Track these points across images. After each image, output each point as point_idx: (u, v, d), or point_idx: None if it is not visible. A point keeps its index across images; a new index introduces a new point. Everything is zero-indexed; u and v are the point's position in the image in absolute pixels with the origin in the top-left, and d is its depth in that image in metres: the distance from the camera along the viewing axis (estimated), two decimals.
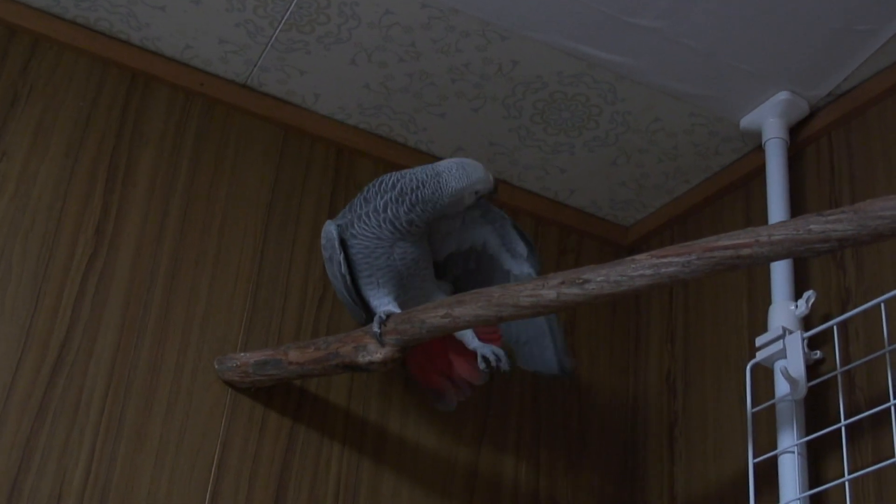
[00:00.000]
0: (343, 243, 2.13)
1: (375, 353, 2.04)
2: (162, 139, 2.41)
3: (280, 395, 2.29)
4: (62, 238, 2.22)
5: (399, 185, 2.10)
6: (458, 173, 2.11)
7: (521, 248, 2.23)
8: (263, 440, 2.25)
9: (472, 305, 1.95)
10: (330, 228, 2.14)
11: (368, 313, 2.15)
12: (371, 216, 2.10)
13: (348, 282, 2.13)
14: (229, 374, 2.23)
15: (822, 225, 1.68)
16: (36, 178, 2.25)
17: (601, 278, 1.85)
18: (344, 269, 2.13)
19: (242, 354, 2.24)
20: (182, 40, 2.43)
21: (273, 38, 2.40)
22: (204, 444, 2.19)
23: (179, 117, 2.45)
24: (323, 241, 2.16)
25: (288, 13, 2.34)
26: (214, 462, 2.19)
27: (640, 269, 1.82)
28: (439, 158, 2.65)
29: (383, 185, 2.12)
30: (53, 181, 2.26)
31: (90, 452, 2.09)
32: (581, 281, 1.86)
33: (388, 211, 2.09)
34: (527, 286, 1.91)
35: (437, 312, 1.98)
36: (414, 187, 2.09)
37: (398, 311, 2.09)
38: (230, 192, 2.44)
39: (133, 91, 2.43)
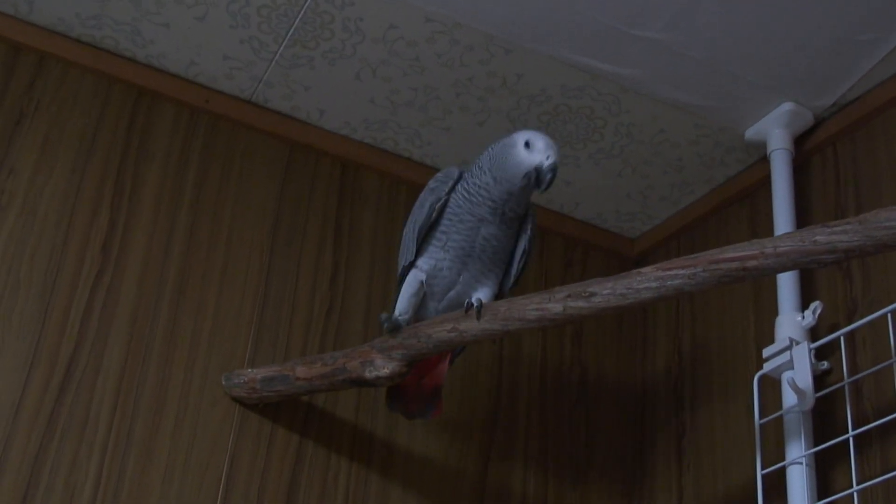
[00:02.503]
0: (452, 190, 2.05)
1: (382, 369, 2.04)
2: (168, 155, 2.42)
3: (287, 410, 2.29)
4: (69, 254, 2.23)
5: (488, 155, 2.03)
6: (523, 144, 1.99)
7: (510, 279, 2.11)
8: (271, 456, 2.25)
9: (479, 319, 1.95)
10: (453, 170, 2.06)
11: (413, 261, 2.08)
12: (476, 175, 2.03)
13: (432, 218, 2.03)
14: (237, 390, 2.23)
15: (828, 236, 1.68)
16: (42, 195, 2.25)
17: (607, 291, 1.85)
18: (440, 204, 2.03)
19: (250, 370, 2.24)
20: (187, 57, 2.44)
21: (278, 54, 2.41)
22: (212, 459, 2.19)
23: (185, 134, 2.46)
24: (440, 175, 2.07)
25: (292, 29, 2.35)
26: (223, 478, 2.19)
27: (645, 282, 1.82)
28: None
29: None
30: (60, 198, 2.27)
31: (99, 468, 2.09)
32: (587, 294, 1.87)
33: (481, 177, 2.01)
34: (533, 300, 1.91)
35: (444, 327, 1.99)
36: (493, 148, 2.03)
37: (402, 315, 2.04)
38: (236, 207, 2.44)
39: (138, 108, 2.43)
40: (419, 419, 2.23)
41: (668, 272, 1.81)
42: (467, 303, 1.96)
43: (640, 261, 2.83)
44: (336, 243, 2.52)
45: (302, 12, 2.31)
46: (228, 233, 2.41)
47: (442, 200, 2.04)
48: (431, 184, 2.07)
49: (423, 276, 2.05)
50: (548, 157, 1.97)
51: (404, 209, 2.63)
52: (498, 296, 2.07)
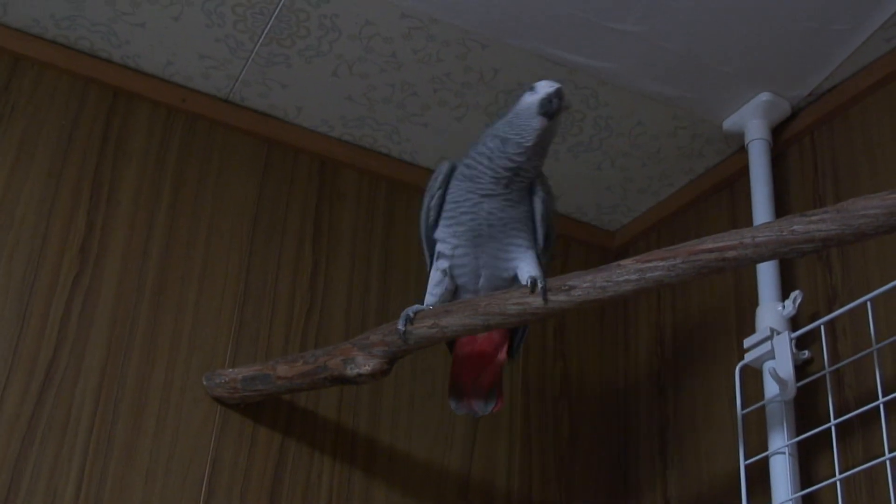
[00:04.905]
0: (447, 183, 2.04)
1: (364, 366, 2.04)
2: (145, 156, 2.41)
3: (269, 409, 2.28)
4: (47, 257, 2.22)
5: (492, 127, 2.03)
6: (528, 92, 2.00)
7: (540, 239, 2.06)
8: (254, 455, 2.24)
9: (460, 315, 1.95)
10: (443, 165, 2.06)
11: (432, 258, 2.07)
12: (473, 154, 2.02)
13: (431, 219, 2.05)
14: (218, 390, 2.23)
15: (806, 225, 1.69)
16: (20, 198, 2.24)
17: (587, 284, 1.85)
18: (435, 202, 2.04)
19: (231, 370, 2.23)
20: (163, 57, 2.43)
21: (254, 52, 2.40)
22: (194, 460, 2.18)
23: (162, 134, 2.45)
24: (433, 175, 2.07)
25: (268, 27, 2.34)
26: (205, 479, 2.18)
27: (625, 275, 1.83)
28: (424, 168, 2.67)
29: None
30: (37, 200, 2.26)
31: (80, 471, 2.08)
32: (567, 288, 1.87)
33: (486, 146, 2.00)
34: (514, 294, 1.91)
35: (425, 323, 1.98)
36: (501, 116, 2.03)
37: (429, 306, 2.01)
38: (215, 206, 2.43)
39: (115, 108, 2.42)
40: (481, 415, 2.15)
41: (648, 264, 1.81)
42: (530, 279, 1.91)
43: (622, 253, 2.83)
44: (315, 241, 2.51)
45: (277, 10, 2.30)
46: (207, 232, 2.40)
47: (437, 195, 2.03)
48: (427, 187, 2.07)
49: (445, 265, 2.03)
50: (551, 87, 1.97)
51: (384, 206, 2.63)
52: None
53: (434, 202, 2.04)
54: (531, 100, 1.98)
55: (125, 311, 2.25)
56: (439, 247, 2.05)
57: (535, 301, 1.89)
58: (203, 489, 2.17)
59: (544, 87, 1.98)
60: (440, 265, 2.04)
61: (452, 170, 2.05)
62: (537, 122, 1.96)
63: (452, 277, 2.05)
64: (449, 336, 1.99)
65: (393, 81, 2.46)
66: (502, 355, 2.11)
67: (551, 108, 1.96)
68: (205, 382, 2.24)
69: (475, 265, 2.02)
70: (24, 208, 2.24)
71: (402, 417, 2.43)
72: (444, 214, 2.04)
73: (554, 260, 2.78)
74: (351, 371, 2.05)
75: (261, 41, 2.37)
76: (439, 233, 2.05)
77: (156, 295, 2.29)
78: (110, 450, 2.12)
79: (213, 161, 2.48)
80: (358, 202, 2.61)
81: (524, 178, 2.01)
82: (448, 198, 2.03)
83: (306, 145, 2.58)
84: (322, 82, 2.47)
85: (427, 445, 2.43)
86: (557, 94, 1.96)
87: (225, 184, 2.47)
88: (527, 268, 1.98)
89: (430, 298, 2.05)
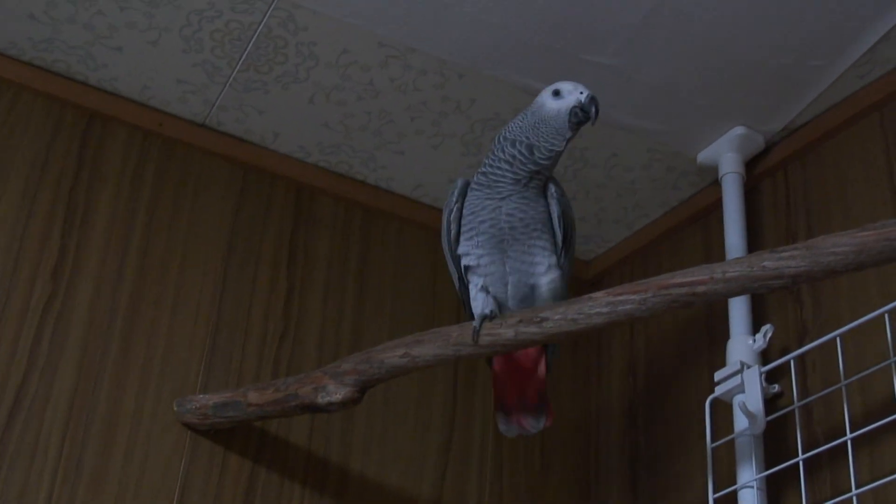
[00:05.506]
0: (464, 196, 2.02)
1: (335, 394, 2.04)
2: (120, 179, 2.40)
3: (240, 436, 2.28)
4: (19, 280, 2.21)
5: (506, 129, 2.01)
6: (551, 96, 1.98)
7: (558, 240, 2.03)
8: (224, 483, 2.23)
9: (431, 345, 1.95)
10: (458, 181, 2.04)
11: (461, 277, 2.04)
12: (488, 164, 2.00)
13: (452, 232, 2.02)
14: (189, 416, 2.22)
15: (776, 262, 1.70)
16: None
17: (558, 316, 1.86)
18: (454, 215, 2.02)
19: (202, 396, 2.23)
20: (140, 81, 2.43)
21: (231, 77, 2.40)
22: (163, 487, 2.17)
23: (138, 157, 2.45)
24: (449, 190, 2.05)
25: (245, 53, 2.35)
26: None
27: (596, 307, 1.84)
28: (399, 196, 2.67)
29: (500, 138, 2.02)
30: (10, 223, 2.25)
31: (48, 497, 2.07)
32: (539, 320, 1.88)
33: (505, 152, 1.98)
34: (485, 325, 1.92)
35: (396, 352, 1.98)
36: (519, 120, 2.00)
37: (496, 309, 1.95)
38: (189, 231, 2.43)
39: (91, 132, 2.42)
40: (534, 432, 2.09)
41: (619, 297, 1.82)
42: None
43: (596, 283, 2.84)
44: (290, 267, 2.51)
45: (255, 37, 2.31)
46: (182, 257, 2.40)
47: (455, 208, 2.02)
48: (444, 204, 2.05)
49: (479, 281, 1.99)
50: (581, 93, 1.95)
51: (359, 233, 2.63)
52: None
53: (453, 215, 2.02)
54: (558, 106, 1.96)
55: (97, 335, 2.24)
56: (465, 261, 2.01)
57: (507, 332, 1.89)
58: None
59: (573, 94, 1.95)
60: (475, 282, 2.00)
61: (466, 185, 2.03)
62: (568, 132, 1.95)
63: (488, 291, 1.99)
64: (420, 365, 1.98)
65: (370, 109, 2.47)
66: (542, 368, 2.06)
67: (589, 115, 1.95)
68: (176, 408, 2.24)
69: (503, 272, 1.98)
70: None
71: (374, 445, 2.42)
72: (463, 229, 2.01)
73: None
74: (322, 399, 2.05)
75: (238, 67, 2.38)
76: (462, 247, 2.01)
77: (128, 319, 2.28)
78: (79, 475, 2.11)
79: (189, 185, 2.48)
80: (333, 229, 2.61)
81: (541, 178, 1.99)
82: (465, 211, 2.01)
83: (282, 171, 2.58)
84: (299, 109, 2.47)
85: (398, 473, 2.43)
86: (593, 103, 1.95)
87: (200, 208, 2.47)
88: (545, 278, 1.97)
89: (479, 309, 1.98)
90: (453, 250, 2.03)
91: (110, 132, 2.44)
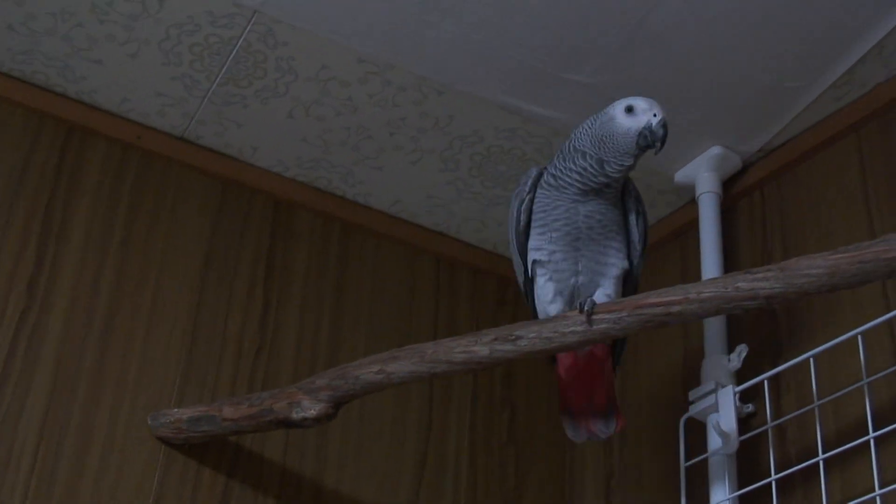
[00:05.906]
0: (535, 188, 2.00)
1: (309, 410, 2.04)
2: (98, 192, 2.40)
3: (214, 451, 2.27)
4: None
5: (578, 134, 1.98)
6: (623, 111, 1.95)
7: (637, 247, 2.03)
8: (197, 497, 2.22)
9: (406, 362, 1.95)
10: (531, 170, 2.02)
11: (527, 270, 2.02)
12: (559, 167, 1.98)
13: (522, 223, 1.99)
14: (163, 430, 2.21)
15: (750, 283, 1.71)
16: None
17: (533, 335, 1.87)
18: (524, 206, 1.99)
19: (176, 410, 2.22)
20: (119, 93, 2.43)
21: (210, 91, 2.40)
22: (137, 501, 2.16)
23: (116, 170, 2.44)
24: (520, 180, 2.03)
25: (225, 67, 2.35)
26: None
27: (571, 326, 1.85)
28: (377, 211, 2.68)
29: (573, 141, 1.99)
30: None
31: None
32: (513, 338, 1.88)
33: (576, 163, 1.95)
34: (460, 342, 1.92)
35: (371, 368, 1.99)
36: (587, 128, 1.97)
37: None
38: (167, 245, 2.42)
39: (69, 144, 2.41)
40: (604, 437, 2.07)
41: (594, 316, 1.84)
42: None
43: None
44: (267, 281, 2.51)
45: (234, 51, 2.31)
46: (159, 271, 2.39)
47: (526, 200, 1.99)
48: (514, 193, 2.03)
49: (548, 275, 1.97)
50: (655, 115, 1.93)
51: (337, 248, 2.63)
52: (628, 274, 2.00)
53: (524, 206, 2.00)
54: (628, 125, 1.92)
55: (72, 348, 2.23)
56: (533, 255, 1.98)
57: (482, 350, 1.90)
58: None
59: (646, 114, 1.92)
60: (544, 275, 1.98)
61: (539, 176, 2.01)
62: (636, 149, 1.92)
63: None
64: (395, 382, 1.99)
65: (349, 124, 2.47)
66: (609, 369, 2.05)
67: (657, 140, 1.92)
68: (150, 422, 2.23)
69: (574, 269, 1.97)
70: None
71: (349, 460, 2.42)
72: (534, 223, 1.99)
73: (505, 305, 2.80)
74: (296, 415, 2.05)
75: (217, 81, 2.38)
76: (533, 241, 1.99)
77: (104, 332, 2.28)
78: (52, 489, 2.10)
79: (167, 199, 2.48)
80: (311, 243, 2.61)
81: (616, 186, 1.98)
82: (536, 206, 1.99)
83: (261, 185, 2.58)
84: (278, 123, 2.47)
85: (373, 489, 2.43)
86: (663, 128, 1.92)
87: (178, 222, 2.46)
88: (604, 288, 1.96)
89: (556, 306, 1.97)
90: (520, 240, 2.01)
91: (89, 144, 2.43)
